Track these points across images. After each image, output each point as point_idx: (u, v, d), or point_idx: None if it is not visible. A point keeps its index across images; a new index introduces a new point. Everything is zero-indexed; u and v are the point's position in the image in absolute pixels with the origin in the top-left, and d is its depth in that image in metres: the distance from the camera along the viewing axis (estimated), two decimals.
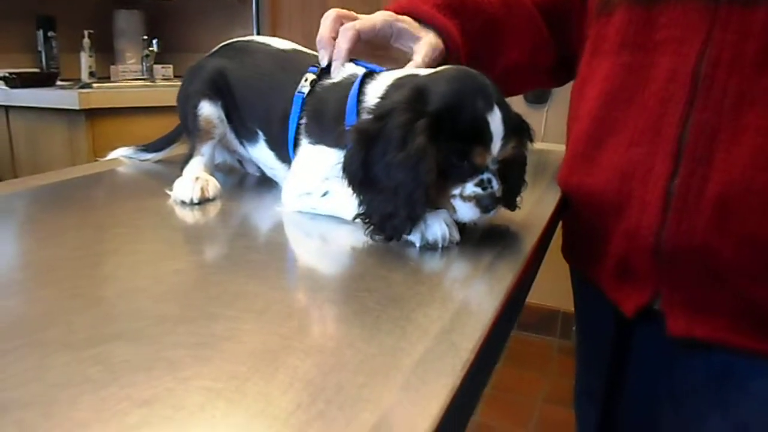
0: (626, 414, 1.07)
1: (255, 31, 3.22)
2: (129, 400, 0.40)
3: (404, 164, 0.68)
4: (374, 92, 0.81)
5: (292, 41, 1.02)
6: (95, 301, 0.56)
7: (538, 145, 1.76)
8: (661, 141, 0.78)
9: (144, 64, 3.26)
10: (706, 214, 0.74)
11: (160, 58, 3.26)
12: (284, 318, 0.53)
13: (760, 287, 0.75)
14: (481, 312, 0.56)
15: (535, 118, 2.97)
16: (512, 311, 0.65)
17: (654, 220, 0.78)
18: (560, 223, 1.06)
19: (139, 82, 3.16)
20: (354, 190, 0.73)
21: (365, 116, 0.76)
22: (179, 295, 0.58)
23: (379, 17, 0.93)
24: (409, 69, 0.85)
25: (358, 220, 0.74)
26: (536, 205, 0.94)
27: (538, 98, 2.96)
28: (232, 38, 1.06)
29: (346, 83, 0.85)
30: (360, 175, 0.72)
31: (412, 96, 0.72)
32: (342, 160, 0.73)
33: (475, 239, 0.77)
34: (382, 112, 0.72)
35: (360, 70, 0.86)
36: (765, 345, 0.78)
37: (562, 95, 2.90)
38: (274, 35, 3.17)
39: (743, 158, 0.72)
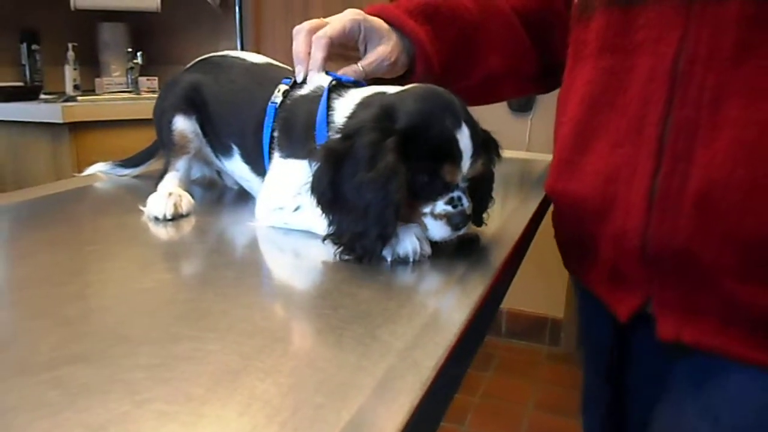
0: (629, 418, 1.07)
1: (239, 43, 3.22)
2: (83, 426, 0.40)
3: (374, 183, 0.68)
4: (342, 109, 0.81)
5: (276, 52, 1.02)
6: (60, 321, 0.56)
7: (522, 154, 1.78)
8: (643, 142, 0.77)
9: (129, 76, 3.25)
10: (688, 213, 0.73)
11: (145, 71, 3.25)
12: (247, 337, 0.53)
13: (746, 289, 0.74)
14: (447, 327, 0.56)
15: (520, 126, 2.98)
16: (483, 323, 0.66)
17: (639, 222, 0.77)
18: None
19: (124, 94, 3.14)
20: (323, 210, 0.73)
21: (333, 135, 0.76)
22: (144, 315, 0.58)
23: (348, 17, 0.93)
24: (377, 87, 0.84)
25: (328, 240, 0.73)
26: (512, 216, 0.95)
27: (523, 107, 2.97)
28: (216, 50, 1.06)
29: (314, 96, 0.85)
30: (329, 194, 0.71)
31: (380, 114, 0.72)
32: (310, 179, 0.72)
33: (448, 252, 0.77)
34: (350, 131, 0.72)
35: (326, 81, 0.86)
36: (753, 352, 0.76)
37: (546, 103, 2.91)
38: (257, 47, 3.19)
39: (722, 153, 0.71)
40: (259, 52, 1.06)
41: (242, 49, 3.20)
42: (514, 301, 3.19)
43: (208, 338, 0.52)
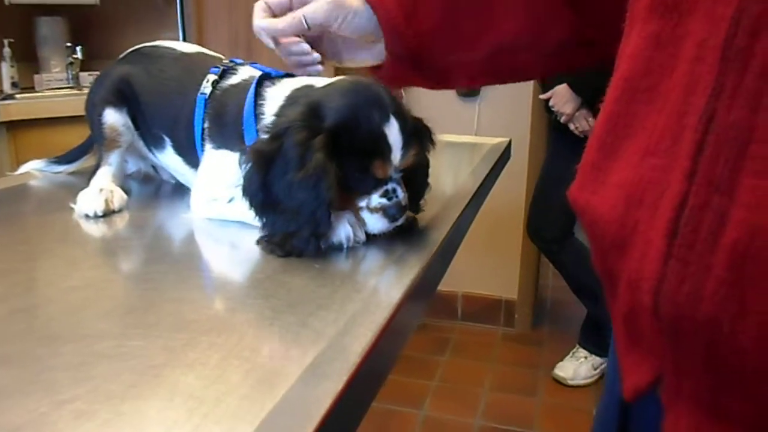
0: None
1: (181, 36, 3.16)
2: None
3: (305, 183, 0.68)
4: (270, 104, 0.80)
5: (219, 45, 1.00)
6: None
7: (470, 138, 1.79)
8: (678, 154, 0.51)
9: (69, 72, 3.17)
10: (719, 274, 0.47)
11: (86, 66, 3.18)
12: (174, 331, 0.52)
13: None
14: (378, 311, 0.56)
15: (468, 112, 2.99)
16: (418, 303, 0.66)
17: (654, 271, 0.52)
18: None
19: (64, 90, 3.07)
20: (256, 212, 0.73)
21: (262, 135, 0.76)
22: (70, 314, 0.57)
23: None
24: (305, 79, 0.83)
25: (261, 242, 0.73)
26: (454, 197, 0.95)
27: (470, 91, 2.97)
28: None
29: (244, 85, 0.84)
30: (260, 196, 0.71)
31: (307, 112, 0.72)
32: (241, 182, 0.72)
33: (382, 238, 0.77)
34: (278, 131, 0.72)
35: (257, 73, 0.85)
36: None
37: (493, 88, 2.92)
38: (200, 40, 3.14)
39: None
40: (202, 46, 1.03)
41: (185, 42, 3.14)
42: (468, 284, 3.21)
43: (133, 334, 0.51)
